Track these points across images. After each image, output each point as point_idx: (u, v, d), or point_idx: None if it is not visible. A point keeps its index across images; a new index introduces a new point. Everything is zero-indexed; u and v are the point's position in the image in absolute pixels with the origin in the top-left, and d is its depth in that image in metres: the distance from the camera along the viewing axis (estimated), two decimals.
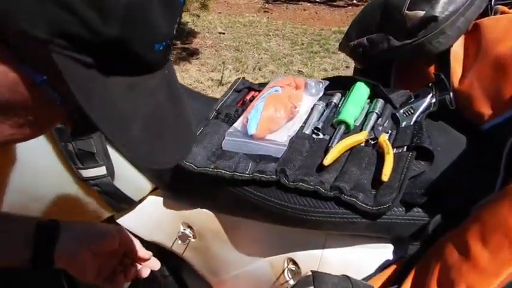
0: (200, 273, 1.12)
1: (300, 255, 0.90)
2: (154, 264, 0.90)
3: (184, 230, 1.04)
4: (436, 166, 0.79)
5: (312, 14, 5.41)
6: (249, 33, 4.64)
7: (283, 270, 0.94)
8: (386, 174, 0.77)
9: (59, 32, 0.38)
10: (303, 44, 4.36)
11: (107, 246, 0.80)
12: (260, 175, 0.85)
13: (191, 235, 1.04)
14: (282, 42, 4.39)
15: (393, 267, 0.76)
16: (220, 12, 5.29)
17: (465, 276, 0.58)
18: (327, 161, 0.81)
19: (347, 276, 0.70)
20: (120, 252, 0.85)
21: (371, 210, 0.76)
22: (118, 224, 1.16)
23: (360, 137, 0.85)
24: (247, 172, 0.87)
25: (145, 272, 0.89)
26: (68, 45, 0.39)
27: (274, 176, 0.84)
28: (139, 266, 0.88)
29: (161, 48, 0.45)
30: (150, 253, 0.90)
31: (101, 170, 1.03)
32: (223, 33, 4.60)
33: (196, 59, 3.93)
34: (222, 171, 0.88)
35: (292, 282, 0.93)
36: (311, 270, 0.71)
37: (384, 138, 0.82)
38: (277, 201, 0.84)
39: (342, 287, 0.66)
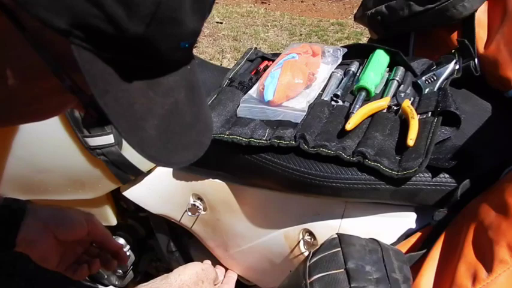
0: (209, 248, 1.09)
1: (317, 226, 0.87)
2: (123, 257, 0.87)
3: (194, 201, 1.01)
4: (462, 133, 0.76)
5: (309, 5, 5.37)
6: (246, 24, 4.60)
7: (298, 242, 0.91)
8: (412, 138, 0.74)
9: (81, 25, 0.36)
10: (301, 34, 4.33)
11: (73, 234, 0.77)
12: (278, 141, 0.82)
13: (201, 207, 1.01)
14: (280, 33, 4.36)
15: (418, 234, 0.73)
16: (217, 2, 5.25)
17: (505, 234, 0.56)
18: (350, 125, 0.78)
19: (374, 239, 0.67)
20: (87, 241, 0.83)
21: (396, 175, 0.73)
22: (124, 197, 1.12)
23: (382, 103, 0.82)
24: (264, 138, 0.84)
25: (112, 265, 0.87)
26: (88, 39, 0.37)
27: (293, 142, 0.81)
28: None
29: (187, 45, 0.42)
30: (121, 245, 0.88)
31: (109, 139, 0.99)
32: (221, 23, 4.56)
33: (194, 47, 3.88)
34: (238, 137, 0.85)
35: (306, 253, 0.90)
36: (336, 233, 0.69)
37: (407, 104, 0.80)
38: (296, 167, 0.81)
39: (370, 248, 0.63)
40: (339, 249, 0.64)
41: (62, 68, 0.39)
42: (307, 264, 0.65)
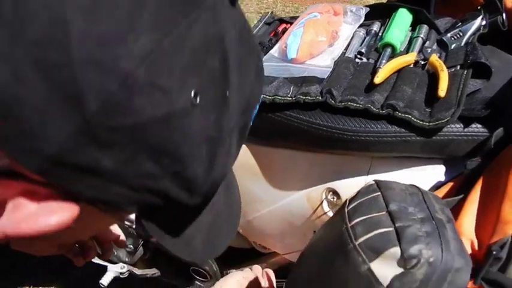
0: None
1: (341, 184, 0.87)
2: (121, 245, 0.88)
3: None
4: (492, 85, 0.76)
5: None
6: None
7: (321, 202, 0.90)
8: (443, 89, 0.73)
9: (148, 208, 0.39)
10: None
11: None
12: (304, 97, 0.81)
13: None
14: None
15: (450, 184, 0.73)
16: None
17: None
18: (378, 79, 0.78)
19: (412, 184, 0.66)
20: None
21: (428, 126, 0.73)
22: None
23: (409, 58, 0.82)
24: (289, 95, 0.83)
25: (108, 254, 0.88)
26: (151, 212, 0.40)
27: (320, 97, 0.80)
28: None
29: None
30: (117, 235, 0.89)
31: None
32: None
33: None
34: (262, 95, 0.84)
35: (331, 213, 0.89)
36: (373, 179, 0.68)
37: (435, 58, 0.79)
38: (323, 123, 0.80)
39: (410, 192, 0.63)
40: (379, 193, 0.63)
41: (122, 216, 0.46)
42: (346, 210, 0.64)
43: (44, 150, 0.30)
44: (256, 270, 0.97)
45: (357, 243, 0.59)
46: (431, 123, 0.73)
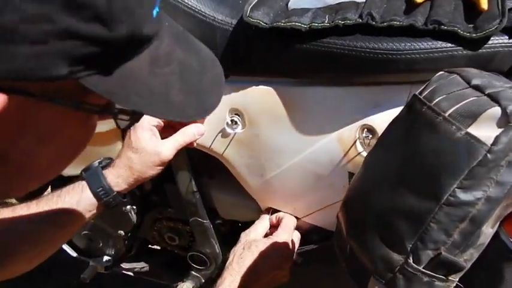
0: (240, 177, 1.01)
1: (377, 119, 0.84)
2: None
3: (232, 116, 0.94)
4: None
5: None
6: None
7: (355, 142, 0.86)
8: (485, 2, 0.75)
9: (75, 61, 0.38)
10: None
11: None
12: (343, 21, 0.80)
13: (240, 123, 0.94)
14: None
15: None
16: None
17: None
18: None
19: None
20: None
21: (476, 36, 0.73)
22: None
23: None
24: (326, 22, 0.81)
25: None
26: (86, 67, 0.39)
27: (360, 20, 0.79)
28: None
29: (158, 10, 0.45)
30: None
31: None
32: None
33: None
34: (297, 23, 0.81)
35: (365, 153, 0.85)
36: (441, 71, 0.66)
37: None
38: (366, 44, 0.78)
39: (487, 73, 0.61)
40: (455, 75, 0.61)
41: (80, 102, 0.43)
42: (420, 98, 0.61)
43: None
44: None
45: (446, 114, 0.56)
46: (479, 33, 0.73)
